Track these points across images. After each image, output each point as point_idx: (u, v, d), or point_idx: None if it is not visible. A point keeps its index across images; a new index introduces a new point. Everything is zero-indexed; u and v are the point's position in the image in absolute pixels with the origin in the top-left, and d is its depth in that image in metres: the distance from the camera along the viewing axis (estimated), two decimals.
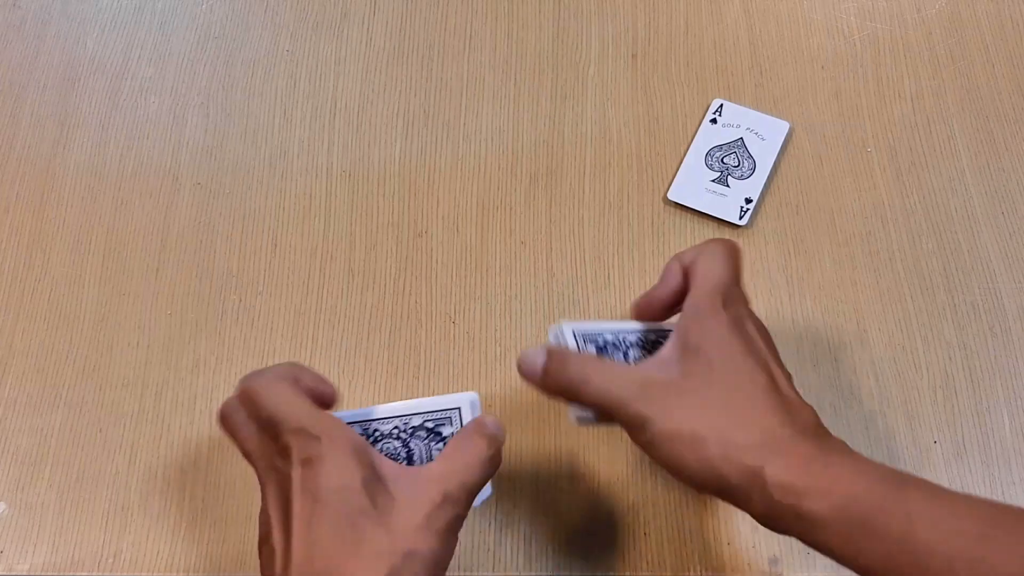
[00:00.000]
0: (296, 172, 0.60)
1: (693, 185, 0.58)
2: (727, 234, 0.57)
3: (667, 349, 0.40)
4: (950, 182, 0.58)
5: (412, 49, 0.64)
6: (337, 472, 0.35)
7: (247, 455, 0.40)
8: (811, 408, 0.39)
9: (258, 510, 0.38)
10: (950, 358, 0.53)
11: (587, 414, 0.40)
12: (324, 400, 0.40)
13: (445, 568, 0.36)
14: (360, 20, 0.65)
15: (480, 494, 0.39)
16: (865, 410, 0.52)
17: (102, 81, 0.63)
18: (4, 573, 0.49)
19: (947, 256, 0.56)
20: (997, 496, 0.49)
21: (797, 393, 0.39)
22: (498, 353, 0.54)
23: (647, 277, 0.56)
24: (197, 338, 0.55)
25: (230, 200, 0.59)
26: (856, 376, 0.53)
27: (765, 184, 0.58)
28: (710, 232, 0.57)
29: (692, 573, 0.48)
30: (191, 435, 0.52)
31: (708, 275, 0.41)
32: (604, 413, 0.39)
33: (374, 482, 0.36)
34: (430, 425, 0.41)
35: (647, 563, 0.48)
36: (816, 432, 0.38)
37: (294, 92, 0.63)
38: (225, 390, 0.53)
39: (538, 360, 0.40)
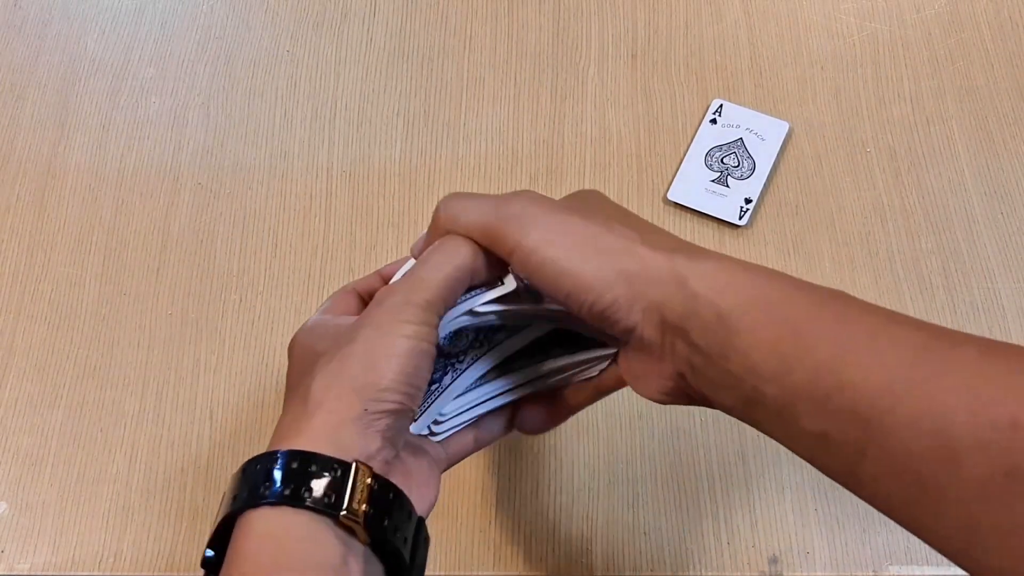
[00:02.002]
0: (297, 172, 0.60)
1: (693, 185, 0.58)
2: (727, 234, 0.57)
3: None
4: (949, 182, 0.58)
5: (412, 49, 0.64)
6: (317, 331, 0.36)
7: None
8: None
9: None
10: None
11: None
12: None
13: (428, 365, 0.33)
14: (360, 21, 0.65)
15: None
16: None
17: (103, 81, 0.63)
18: (5, 573, 0.49)
19: (946, 256, 0.56)
20: None
21: None
22: None
23: None
24: (198, 338, 0.55)
25: (231, 200, 0.59)
26: None
27: (765, 184, 0.58)
28: (710, 232, 0.57)
29: (691, 572, 0.48)
30: (192, 435, 0.52)
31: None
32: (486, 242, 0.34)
33: (352, 320, 0.35)
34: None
35: (647, 562, 0.48)
36: (704, 249, 0.34)
37: (294, 92, 0.63)
38: (226, 389, 0.53)
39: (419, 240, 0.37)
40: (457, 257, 0.34)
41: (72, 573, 0.49)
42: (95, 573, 0.49)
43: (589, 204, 0.37)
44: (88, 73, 0.64)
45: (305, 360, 0.35)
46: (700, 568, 0.48)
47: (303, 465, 0.30)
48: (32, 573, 0.49)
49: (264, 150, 0.61)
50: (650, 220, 0.57)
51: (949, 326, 0.53)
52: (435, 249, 0.35)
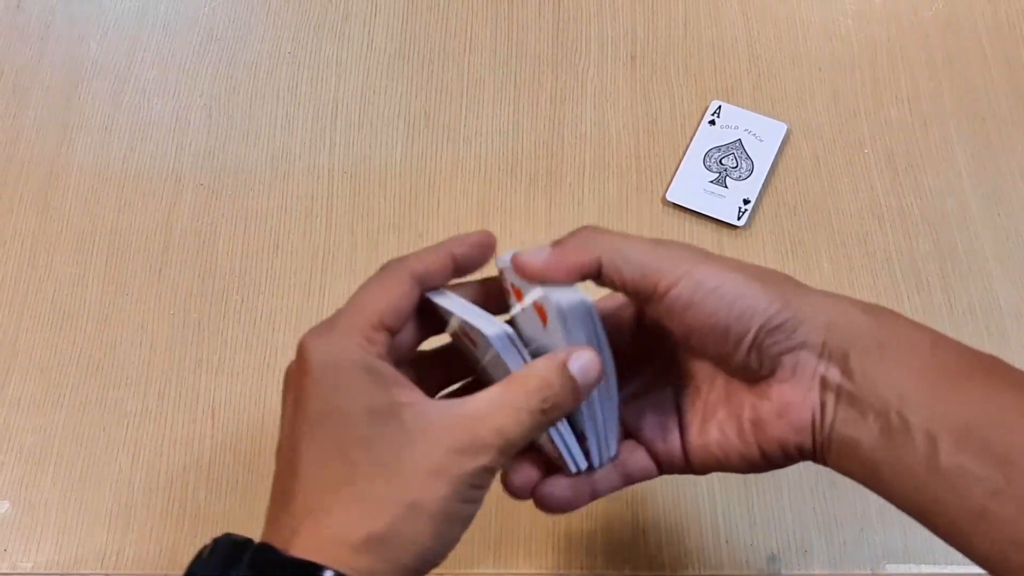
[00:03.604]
0: (298, 173, 0.60)
1: (692, 186, 0.58)
2: (725, 234, 0.57)
3: None
4: (947, 183, 0.58)
5: (413, 51, 0.65)
6: (334, 393, 0.30)
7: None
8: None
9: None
10: None
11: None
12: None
13: (461, 529, 0.30)
14: (361, 22, 0.66)
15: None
16: None
17: (105, 83, 0.64)
18: (8, 571, 0.49)
19: (944, 257, 0.56)
20: None
21: None
22: None
23: None
24: (199, 338, 0.55)
25: (232, 201, 0.59)
26: None
27: (763, 185, 0.58)
28: (709, 232, 0.57)
29: (691, 571, 0.48)
30: (193, 434, 0.52)
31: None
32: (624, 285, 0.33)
33: (384, 411, 0.29)
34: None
35: (646, 561, 0.49)
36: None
37: (296, 94, 0.63)
38: (227, 389, 0.54)
39: (543, 251, 0.33)
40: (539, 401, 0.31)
41: (75, 571, 0.49)
42: (97, 571, 0.49)
43: (732, 260, 0.34)
44: (91, 75, 0.64)
45: (332, 430, 0.30)
46: (699, 567, 0.48)
47: None
48: (35, 571, 0.49)
49: (266, 151, 0.61)
50: (649, 221, 0.58)
51: (946, 327, 0.54)
52: (519, 383, 0.31)
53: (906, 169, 0.59)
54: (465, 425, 0.30)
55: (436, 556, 0.30)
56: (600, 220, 0.58)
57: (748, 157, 0.59)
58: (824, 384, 0.32)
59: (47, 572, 0.49)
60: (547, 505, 0.35)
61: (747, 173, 0.58)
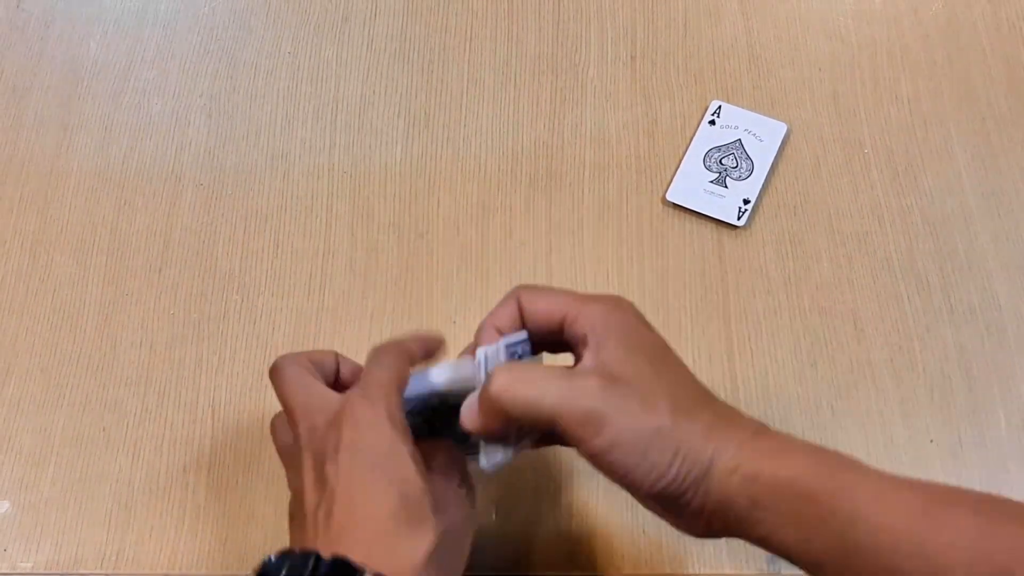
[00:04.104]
0: (298, 173, 0.60)
1: (692, 186, 0.58)
2: (725, 234, 0.57)
3: (587, 358, 0.38)
4: (947, 183, 0.58)
5: (413, 51, 0.65)
6: (380, 442, 0.37)
7: (280, 456, 0.42)
8: (729, 405, 0.39)
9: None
10: (947, 358, 0.53)
11: (502, 455, 0.39)
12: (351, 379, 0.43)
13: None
14: (361, 23, 0.66)
15: (494, 459, 0.39)
16: (862, 410, 0.52)
17: (105, 83, 0.64)
18: (8, 571, 0.49)
19: (944, 257, 0.56)
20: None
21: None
22: None
23: (646, 277, 0.56)
24: (199, 337, 0.55)
25: (232, 201, 0.59)
26: (853, 376, 0.53)
27: (763, 185, 0.58)
28: (709, 232, 0.57)
29: (690, 571, 0.48)
30: (193, 434, 0.52)
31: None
32: (542, 427, 0.37)
33: (416, 457, 0.37)
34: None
35: (646, 561, 0.49)
36: (743, 418, 0.38)
37: (296, 94, 0.63)
38: (228, 389, 0.54)
39: (474, 401, 0.39)
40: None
41: (75, 571, 0.49)
42: (97, 571, 0.49)
43: (642, 383, 0.37)
44: (91, 74, 0.64)
45: (382, 470, 0.37)
46: (699, 567, 0.48)
47: None
48: (35, 571, 0.49)
49: (265, 151, 0.61)
50: (649, 221, 0.58)
51: (946, 327, 0.54)
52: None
53: (906, 169, 0.59)
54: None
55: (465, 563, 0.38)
56: (600, 220, 0.58)
57: (748, 157, 0.59)
58: (717, 525, 0.37)
59: (47, 572, 0.49)
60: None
61: (747, 173, 0.58)
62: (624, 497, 0.50)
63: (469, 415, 0.38)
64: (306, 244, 0.58)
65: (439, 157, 0.61)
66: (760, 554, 0.48)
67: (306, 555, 0.34)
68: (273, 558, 0.35)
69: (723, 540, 0.49)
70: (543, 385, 0.36)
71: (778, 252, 0.57)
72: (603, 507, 0.50)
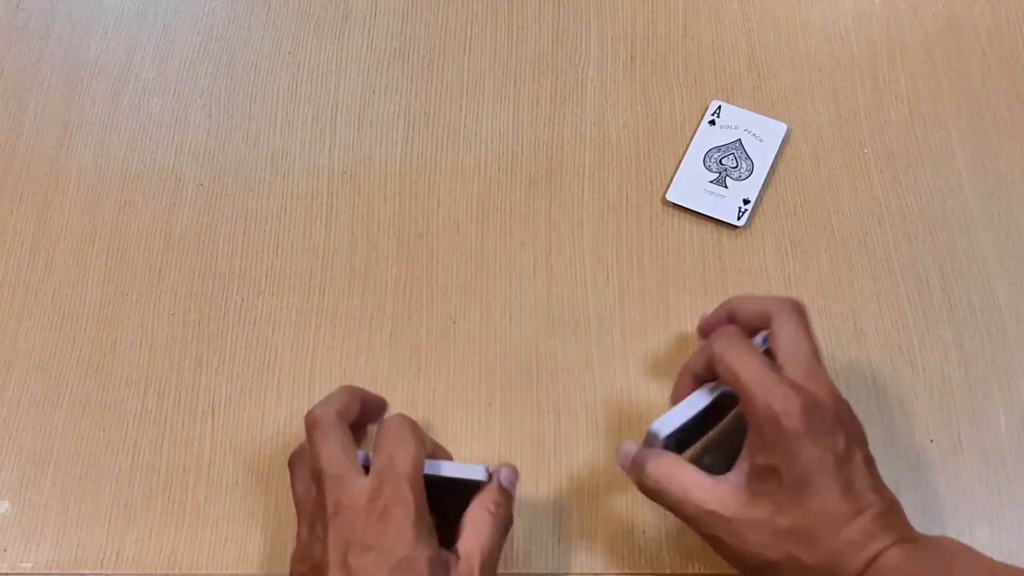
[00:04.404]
0: (298, 173, 0.60)
1: (691, 186, 0.58)
2: (725, 234, 0.57)
3: (739, 467, 0.42)
4: (946, 183, 0.58)
5: (413, 51, 0.65)
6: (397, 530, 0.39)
7: (296, 500, 0.44)
8: (890, 498, 0.40)
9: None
10: (946, 358, 0.53)
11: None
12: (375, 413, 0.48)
13: None
14: (361, 23, 0.66)
15: None
16: (862, 410, 0.51)
17: (105, 83, 0.64)
18: (7, 571, 0.49)
19: (943, 257, 0.56)
20: (993, 495, 0.50)
21: (876, 483, 0.40)
22: (498, 353, 0.54)
23: (646, 277, 0.56)
24: (199, 337, 0.55)
25: (232, 201, 0.59)
26: (853, 376, 0.53)
27: (763, 185, 0.58)
28: (709, 232, 0.57)
29: (692, 570, 0.48)
30: (193, 434, 0.52)
31: (787, 362, 0.42)
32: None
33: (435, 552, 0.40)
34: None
35: (647, 560, 0.49)
36: (895, 527, 0.39)
37: (296, 94, 0.63)
38: (227, 389, 0.54)
39: (629, 456, 0.44)
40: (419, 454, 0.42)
41: (74, 571, 0.49)
42: (97, 571, 0.49)
43: (809, 497, 0.39)
44: (91, 74, 0.64)
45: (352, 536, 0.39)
46: (699, 565, 0.48)
47: None
48: (35, 571, 0.49)
49: (265, 151, 0.61)
50: (649, 221, 0.58)
51: (946, 327, 0.54)
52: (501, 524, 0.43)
53: (906, 169, 0.59)
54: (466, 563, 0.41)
55: None
56: (600, 220, 0.58)
57: (748, 157, 0.59)
58: None
59: (47, 572, 0.49)
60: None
61: (747, 173, 0.58)
62: (624, 495, 0.50)
63: (624, 459, 0.45)
64: (306, 244, 0.58)
65: (439, 157, 0.61)
66: None
67: None
68: None
69: None
70: (687, 488, 0.41)
71: (778, 252, 0.57)
72: (603, 504, 0.50)
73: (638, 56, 0.64)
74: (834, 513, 0.38)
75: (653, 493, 0.43)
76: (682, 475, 0.42)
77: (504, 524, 0.43)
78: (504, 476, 0.44)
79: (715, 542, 0.41)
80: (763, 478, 0.40)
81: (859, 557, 0.37)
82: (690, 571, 0.48)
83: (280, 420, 0.53)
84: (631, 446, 0.44)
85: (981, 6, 0.64)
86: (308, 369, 0.54)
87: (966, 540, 0.40)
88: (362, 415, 0.46)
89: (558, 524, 0.50)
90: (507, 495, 0.44)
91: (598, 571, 0.48)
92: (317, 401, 0.44)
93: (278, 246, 0.58)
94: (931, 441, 0.51)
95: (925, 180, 0.58)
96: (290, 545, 0.44)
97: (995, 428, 0.51)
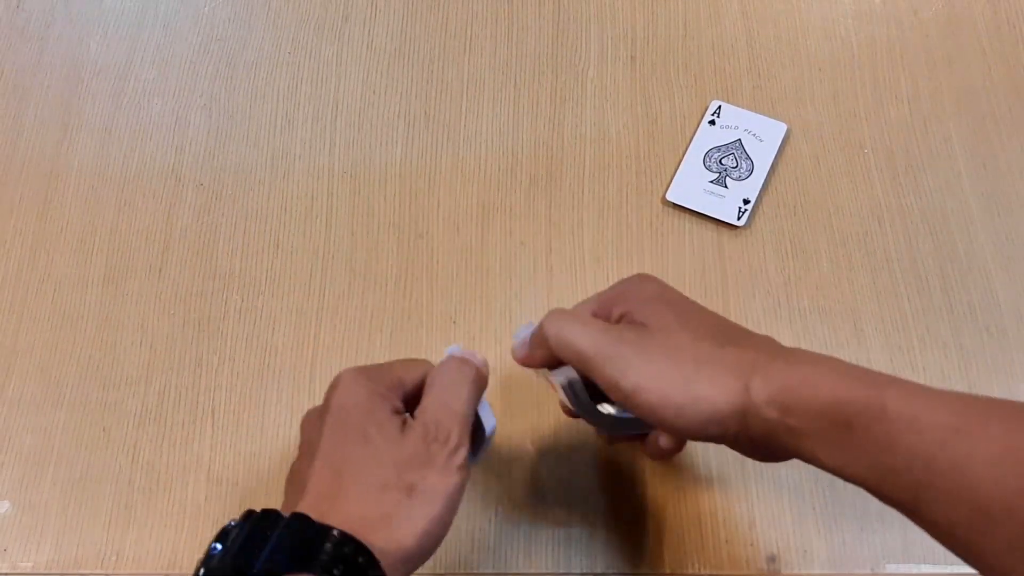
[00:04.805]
0: (298, 173, 0.60)
1: (691, 186, 0.58)
2: (725, 234, 0.57)
3: (614, 315, 0.42)
4: (947, 183, 0.58)
5: (413, 51, 0.65)
6: (353, 408, 0.39)
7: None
8: (765, 336, 0.41)
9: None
10: (947, 358, 0.53)
11: (569, 375, 0.42)
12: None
13: (449, 508, 0.38)
14: (361, 23, 0.66)
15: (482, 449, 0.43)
16: None
17: (105, 83, 0.64)
18: (8, 571, 0.49)
19: (944, 257, 0.56)
20: None
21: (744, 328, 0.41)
22: (498, 353, 0.54)
23: None
24: (199, 338, 0.55)
25: (232, 201, 0.59)
26: None
27: (763, 185, 0.58)
28: (709, 232, 0.57)
29: (690, 571, 0.48)
30: (193, 434, 0.52)
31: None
32: (579, 368, 0.41)
33: (383, 420, 0.39)
34: None
35: (646, 561, 0.49)
36: (778, 350, 0.39)
37: (296, 94, 0.63)
38: (227, 389, 0.54)
39: (526, 332, 0.44)
40: (475, 386, 0.41)
41: (74, 572, 0.49)
42: (97, 572, 0.49)
43: (664, 338, 0.40)
44: (91, 75, 0.64)
45: (368, 436, 0.38)
46: (699, 567, 0.48)
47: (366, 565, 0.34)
48: (35, 571, 0.49)
49: (266, 151, 0.61)
50: (649, 221, 0.58)
51: (946, 326, 0.54)
52: (457, 376, 0.41)
53: (906, 169, 0.59)
54: (430, 417, 0.39)
55: (430, 537, 0.37)
56: (600, 220, 0.58)
57: (748, 157, 0.59)
58: (763, 449, 0.38)
59: (47, 572, 0.49)
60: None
61: (747, 173, 0.58)
62: (624, 495, 0.50)
63: (520, 348, 0.43)
64: (306, 244, 0.58)
65: (439, 157, 0.61)
66: (760, 554, 0.48)
67: (267, 513, 0.35)
68: (233, 522, 0.36)
69: (723, 540, 0.49)
70: (582, 331, 0.40)
71: (778, 252, 0.57)
72: (603, 507, 0.50)
73: (638, 56, 0.64)
74: (721, 326, 0.41)
75: (554, 345, 0.41)
76: (578, 320, 0.41)
77: (476, 388, 0.42)
78: (450, 349, 0.44)
79: (623, 376, 0.39)
80: (640, 322, 0.41)
81: (772, 365, 0.38)
82: (689, 571, 0.48)
83: (280, 420, 0.53)
84: (524, 328, 0.44)
85: (981, 6, 0.64)
86: (308, 369, 0.54)
87: None
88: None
89: (558, 525, 0.50)
90: (459, 360, 0.42)
91: (598, 571, 0.48)
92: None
93: (278, 246, 0.58)
94: None
95: (925, 180, 0.58)
96: None
97: None
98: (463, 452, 0.39)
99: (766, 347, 0.39)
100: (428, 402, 0.40)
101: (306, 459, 0.39)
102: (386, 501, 0.36)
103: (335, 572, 0.33)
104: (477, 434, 0.42)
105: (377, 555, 0.34)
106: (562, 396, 0.44)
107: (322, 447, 0.38)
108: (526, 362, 0.44)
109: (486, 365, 0.43)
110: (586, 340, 0.40)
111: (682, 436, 0.41)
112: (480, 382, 0.42)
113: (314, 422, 0.40)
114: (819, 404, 0.36)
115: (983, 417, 0.33)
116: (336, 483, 0.37)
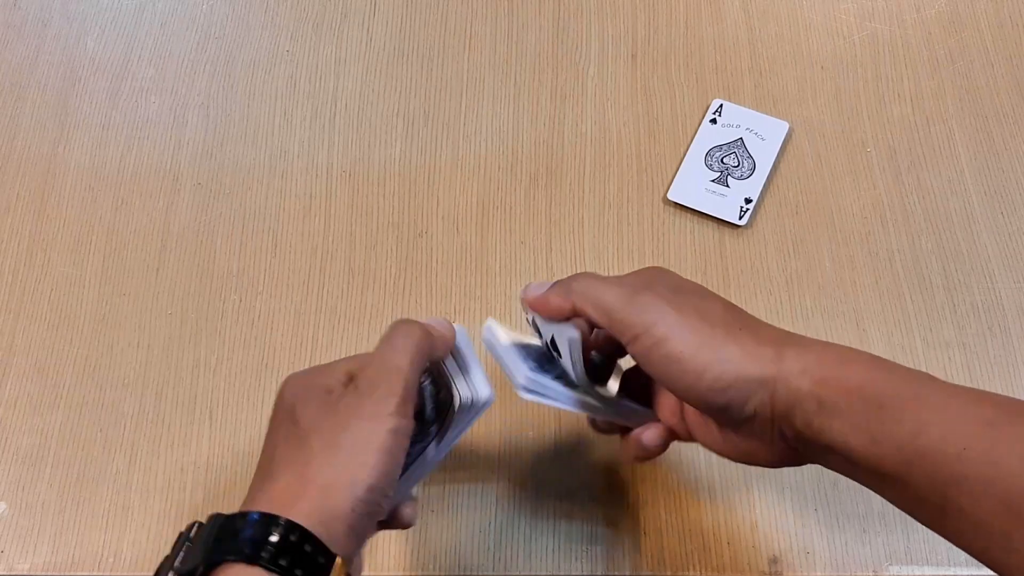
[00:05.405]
0: (296, 172, 0.60)
1: (693, 185, 0.58)
2: (727, 234, 0.57)
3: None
4: (949, 182, 0.58)
5: (412, 49, 0.64)
6: (303, 396, 0.38)
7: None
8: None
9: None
10: (950, 358, 0.53)
11: (571, 334, 0.40)
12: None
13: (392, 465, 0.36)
14: (360, 21, 0.65)
15: (477, 407, 0.41)
16: None
17: (102, 81, 0.63)
18: (5, 573, 0.49)
19: (946, 256, 0.56)
20: None
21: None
22: None
23: None
24: (197, 338, 0.55)
25: (230, 200, 0.59)
26: None
27: (765, 184, 0.58)
28: (710, 232, 0.57)
29: (692, 572, 0.48)
30: (191, 435, 0.52)
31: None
32: (600, 324, 0.39)
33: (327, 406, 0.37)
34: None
35: (647, 563, 0.48)
36: (812, 339, 0.38)
37: (294, 92, 0.63)
38: (225, 389, 0.53)
39: (542, 287, 0.41)
40: (420, 342, 0.38)
41: (72, 573, 0.49)
42: (95, 573, 0.49)
43: (698, 301, 0.39)
44: (88, 73, 0.64)
45: (296, 420, 0.37)
46: (700, 568, 0.48)
47: (300, 542, 0.33)
48: (32, 573, 0.49)
49: (264, 150, 0.61)
50: (650, 220, 0.57)
51: (949, 326, 0.54)
52: (398, 334, 0.38)
53: (908, 168, 0.58)
54: (382, 378, 0.37)
55: (372, 491, 0.35)
56: (600, 219, 0.58)
57: (750, 156, 0.59)
58: (784, 438, 0.37)
59: (44, 574, 0.49)
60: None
61: (749, 172, 0.58)
62: (625, 497, 0.50)
63: (536, 289, 0.41)
64: (305, 243, 0.58)
65: (438, 156, 0.60)
66: (762, 556, 0.48)
67: (271, 517, 0.34)
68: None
69: (725, 541, 0.49)
70: (609, 287, 0.39)
71: (780, 252, 0.56)
72: (604, 507, 0.50)
73: (639, 54, 0.63)
74: (748, 315, 0.39)
75: (583, 297, 0.39)
76: (606, 281, 0.40)
77: (423, 355, 0.39)
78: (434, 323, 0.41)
79: (651, 331, 0.37)
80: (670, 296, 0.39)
81: (804, 342, 0.37)
82: (691, 574, 0.48)
83: None
84: (537, 286, 0.42)
85: (984, 3, 0.64)
86: None
87: None
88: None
89: (559, 526, 0.49)
90: (406, 321, 0.40)
91: (598, 573, 0.48)
92: None
93: (276, 245, 0.58)
94: None
95: (928, 178, 0.58)
96: None
97: None
98: (394, 400, 0.36)
99: (796, 334, 0.39)
100: (366, 361, 0.38)
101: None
102: (316, 472, 0.34)
103: (267, 551, 0.32)
104: (451, 408, 0.41)
105: (310, 528, 0.33)
106: (564, 351, 0.41)
107: (264, 447, 0.38)
108: (537, 304, 0.41)
109: (450, 329, 0.41)
110: (614, 292, 0.38)
111: (698, 402, 0.38)
112: (426, 339, 0.39)
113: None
114: (854, 381, 0.35)
115: (1016, 414, 0.33)
116: (267, 470, 0.36)
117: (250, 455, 0.52)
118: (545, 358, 0.43)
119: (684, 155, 0.59)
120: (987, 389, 0.51)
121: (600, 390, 0.42)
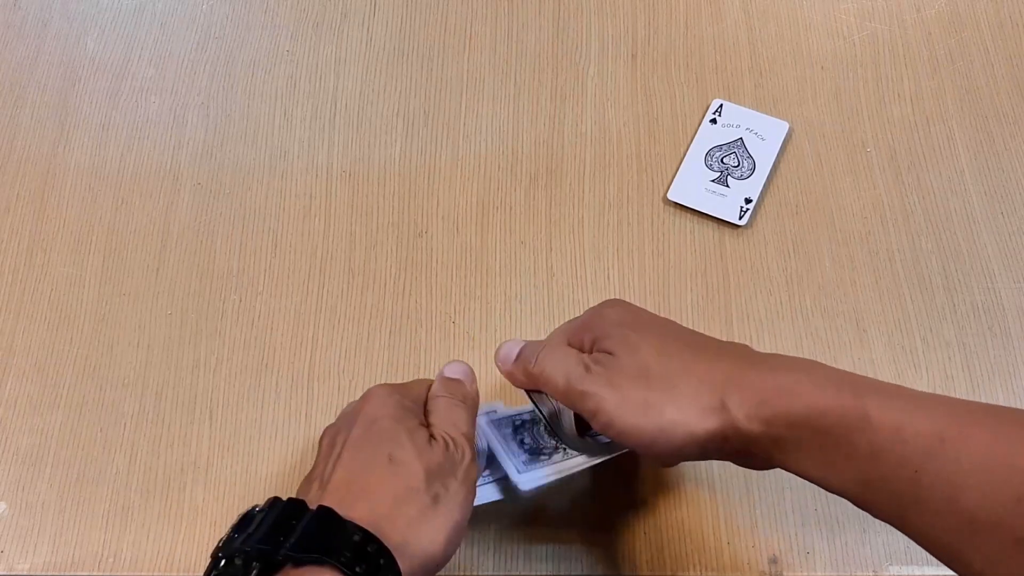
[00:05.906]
0: (296, 172, 0.60)
1: (693, 185, 0.58)
2: (727, 234, 0.57)
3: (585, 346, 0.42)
4: (949, 182, 0.58)
5: (412, 49, 0.64)
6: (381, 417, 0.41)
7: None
8: (737, 343, 0.41)
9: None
10: (950, 358, 0.53)
11: (551, 406, 0.43)
12: None
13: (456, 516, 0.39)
14: (360, 20, 0.65)
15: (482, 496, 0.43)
16: None
17: (102, 81, 0.63)
18: (4, 573, 0.49)
19: (946, 256, 0.56)
20: None
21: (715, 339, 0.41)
22: None
23: (647, 277, 0.56)
24: (197, 338, 0.55)
25: (230, 200, 0.59)
26: None
27: (765, 184, 0.58)
28: (710, 232, 0.57)
29: (692, 572, 0.48)
30: (191, 435, 0.52)
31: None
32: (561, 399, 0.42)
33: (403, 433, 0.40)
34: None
35: (647, 562, 0.48)
36: (754, 359, 0.39)
37: (294, 92, 0.63)
38: (225, 390, 0.53)
39: (513, 351, 0.44)
40: (469, 405, 0.43)
41: (71, 573, 0.49)
42: (94, 573, 0.49)
43: (638, 359, 0.40)
44: (88, 73, 0.64)
45: (386, 445, 0.39)
46: (700, 568, 0.48)
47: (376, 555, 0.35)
48: (32, 573, 0.49)
49: (264, 150, 0.61)
50: (650, 220, 0.57)
51: (949, 326, 0.54)
52: (457, 401, 0.43)
53: (909, 168, 0.58)
54: (443, 432, 0.41)
55: (451, 544, 0.38)
56: (601, 219, 0.58)
57: (750, 156, 0.59)
58: (750, 460, 0.39)
59: (44, 574, 0.49)
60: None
61: (749, 172, 0.58)
62: (625, 497, 0.50)
63: (505, 363, 0.44)
64: (304, 243, 0.58)
65: (438, 156, 0.60)
66: (760, 554, 0.48)
67: (293, 502, 0.36)
68: (258, 508, 0.37)
69: (724, 541, 0.49)
70: (557, 366, 0.41)
71: (780, 252, 0.56)
72: (604, 507, 0.50)
73: (639, 54, 0.63)
74: (684, 343, 0.40)
75: (541, 381, 0.42)
76: (560, 357, 0.42)
77: (466, 405, 0.43)
78: (447, 369, 0.45)
79: (597, 410, 0.39)
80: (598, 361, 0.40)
81: (747, 377, 0.37)
82: (691, 574, 0.48)
83: (279, 421, 0.52)
84: (512, 345, 0.44)
85: (984, 3, 0.64)
86: (307, 369, 0.54)
87: None
88: None
89: (559, 527, 0.49)
90: (455, 382, 0.44)
91: (598, 573, 0.48)
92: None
93: (276, 245, 0.58)
94: None
95: (928, 178, 0.58)
96: None
97: None
98: (475, 467, 0.40)
99: (739, 356, 0.39)
100: (436, 419, 0.41)
101: (326, 462, 0.40)
102: (412, 506, 0.37)
103: (358, 570, 0.34)
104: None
105: (397, 556, 0.35)
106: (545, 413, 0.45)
107: (348, 450, 0.39)
108: (508, 378, 0.44)
109: (474, 384, 0.45)
110: (560, 377, 0.40)
111: (659, 461, 0.42)
112: (472, 402, 0.44)
113: (340, 429, 0.41)
114: (798, 413, 0.35)
115: (968, 424, 0.33)
116: (361, 483, 0.38)
117: (250, 456, 0.52)
118: (534, 425, 0.46)
119: (684, 155, 0.59)
120: (987, 389, 0.52)
121: (591, 440, 0.44)
